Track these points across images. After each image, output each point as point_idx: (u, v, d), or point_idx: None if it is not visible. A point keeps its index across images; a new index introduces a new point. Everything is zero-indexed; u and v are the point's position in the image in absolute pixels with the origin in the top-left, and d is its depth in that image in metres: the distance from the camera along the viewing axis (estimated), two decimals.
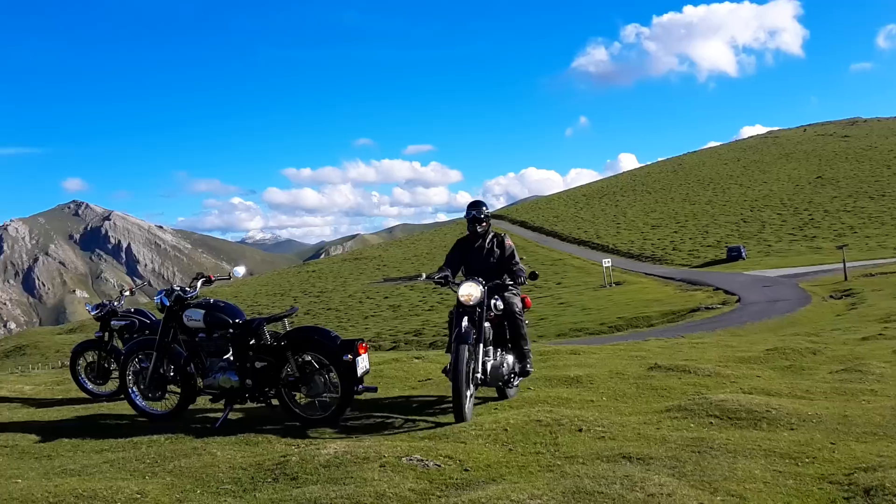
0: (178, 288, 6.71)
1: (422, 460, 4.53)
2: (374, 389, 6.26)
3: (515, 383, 6.96)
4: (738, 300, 35.40)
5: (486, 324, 6.37)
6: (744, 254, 61.17)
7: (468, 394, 5.96)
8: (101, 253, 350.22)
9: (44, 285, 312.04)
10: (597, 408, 6.30)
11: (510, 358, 6.69)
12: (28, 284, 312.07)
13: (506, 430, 5.35)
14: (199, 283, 6.79)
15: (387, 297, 60.14)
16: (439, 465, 4.47)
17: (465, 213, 7.04)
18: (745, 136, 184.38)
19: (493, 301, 6.52)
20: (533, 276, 6.93)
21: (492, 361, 6.39)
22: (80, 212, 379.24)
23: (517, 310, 6.78)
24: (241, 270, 7.25)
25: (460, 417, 5.80)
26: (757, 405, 5.81)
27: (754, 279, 44.19)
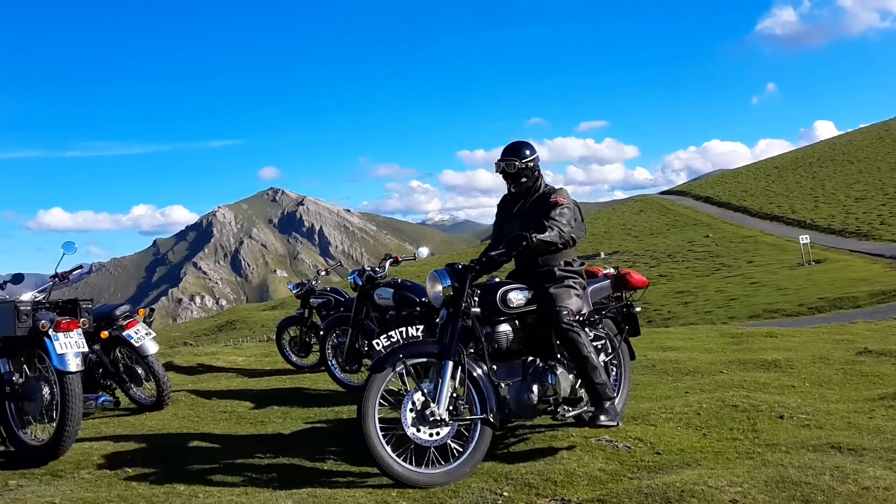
0: (369, 268, 7.10)
1: (611, 441, 4.49)
2: None
3: (576, 413, 4.51)
4: None
5: (501, 327, 4.35)
6: None
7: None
8: (297, 235, 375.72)
9: (249, 266, 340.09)
10: (799, 394, 5.90)
11: (560, 377, 4.33)
12: (235, 265, 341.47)
13: (698, 414, 5.15)
14: (387, 264, 7.15)
15: None
16: (629, 448, 4.40)
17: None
18: None
19: (504, 292, 4.34)
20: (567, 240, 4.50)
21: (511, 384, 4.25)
22: (276, 198, 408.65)
23: (563, 312, 4.31)
24: (424, 251, 7.57)
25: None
26: None
27: None
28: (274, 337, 9.62)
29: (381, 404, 3.94)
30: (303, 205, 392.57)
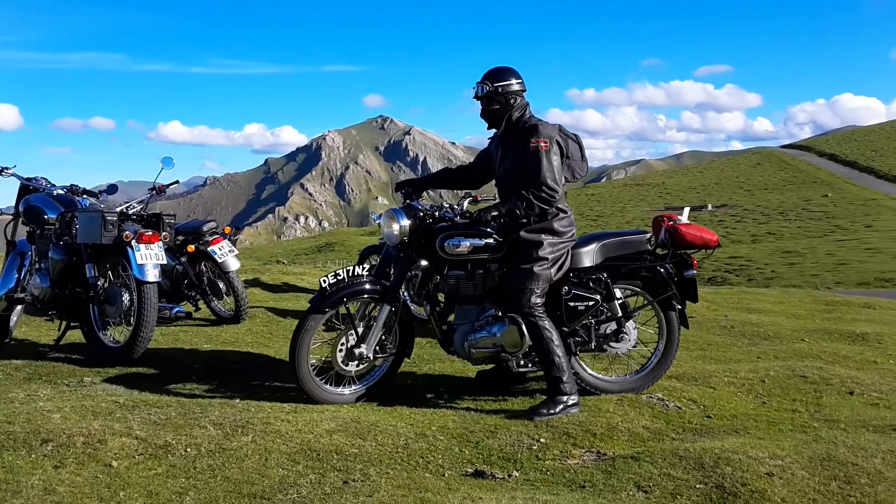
0: (447, 206, 7.11)
1: (662, 399, 4.42)
2: None
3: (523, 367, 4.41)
4: None
5: (452, 272, 4.30)
6: None
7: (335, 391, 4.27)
8: (401, 165, 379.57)
9: (352, 191, 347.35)
10: (878, 370, 5.60)
11: (507, 330, 4.24)
12: (340, 189, 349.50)
13: (763, 381, 4.99)
14: (465, 203, 7.12)
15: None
16: (680, 408, 4.33)
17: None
18: None
19: (444, 237, 4.28)
20: (541, 200, 4.13)
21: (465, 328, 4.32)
22: (385, 126, 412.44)
23: (524, 297, 4.11)
24: None
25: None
26: None
27: None
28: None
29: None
30: (409, 134, 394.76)
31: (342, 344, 4.26)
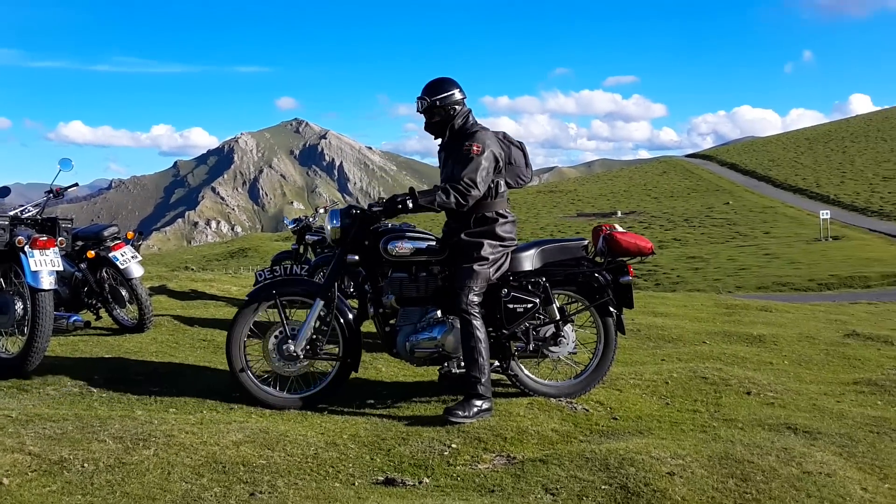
0: (308, 217, 7.17)
1: (571, 403, 4.51)
2: None
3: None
4: None
5: (395, 273, 4.34)
6: None
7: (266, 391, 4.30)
8: (317, 169, 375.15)
9: (266, 195, 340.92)
10: (774, 371, 5.89)
11: (448, 333, 4.34)
12: (253, 193, 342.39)
13: (667, 382, 5.16)
14: (321, 211, 7.21)
15: (578, 232, 59.55)
16: (588, 410, 4.42)
17: None
18: None
19: (387, 239, 4.35)
20: (459, 191, 4.16)
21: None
22: (300, 129, 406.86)
23: (462, 294, 4.18)
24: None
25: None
26: None
27: None
28: None
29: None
30: (325, 138, 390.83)
31: (272, 340, 4.31)
